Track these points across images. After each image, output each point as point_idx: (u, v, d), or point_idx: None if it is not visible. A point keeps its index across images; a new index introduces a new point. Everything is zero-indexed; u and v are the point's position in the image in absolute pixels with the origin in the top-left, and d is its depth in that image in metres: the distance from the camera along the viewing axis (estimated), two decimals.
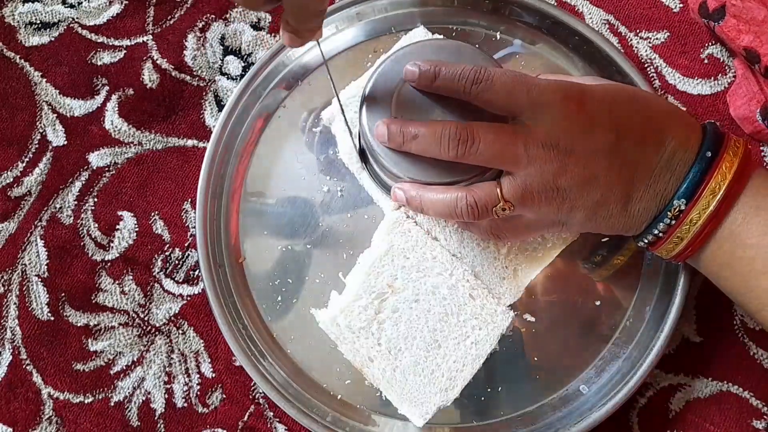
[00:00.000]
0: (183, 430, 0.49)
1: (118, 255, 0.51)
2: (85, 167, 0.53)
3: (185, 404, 0.49)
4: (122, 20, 0.55)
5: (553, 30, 0.52)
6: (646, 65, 0.53)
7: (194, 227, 0.51)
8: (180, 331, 0.50)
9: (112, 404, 0.49)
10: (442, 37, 0.51)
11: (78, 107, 0.53)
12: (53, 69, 0.54)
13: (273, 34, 0.55)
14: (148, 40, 0.55)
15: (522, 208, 0.39)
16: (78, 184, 0.52)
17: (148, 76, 0.54)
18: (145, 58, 0.54)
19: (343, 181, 0.50)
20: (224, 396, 0.49)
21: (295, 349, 0.48)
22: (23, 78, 0.54)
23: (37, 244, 0.51)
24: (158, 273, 0.51)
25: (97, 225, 0.52)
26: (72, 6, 0.55)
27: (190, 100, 0.54)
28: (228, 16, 0.55)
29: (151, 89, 0.54)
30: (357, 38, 0.53)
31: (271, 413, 0.49)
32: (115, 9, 0.55)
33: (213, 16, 0.55)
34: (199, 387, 0.49)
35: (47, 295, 0.51)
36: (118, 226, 0.52)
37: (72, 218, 0.52)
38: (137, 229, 0.52)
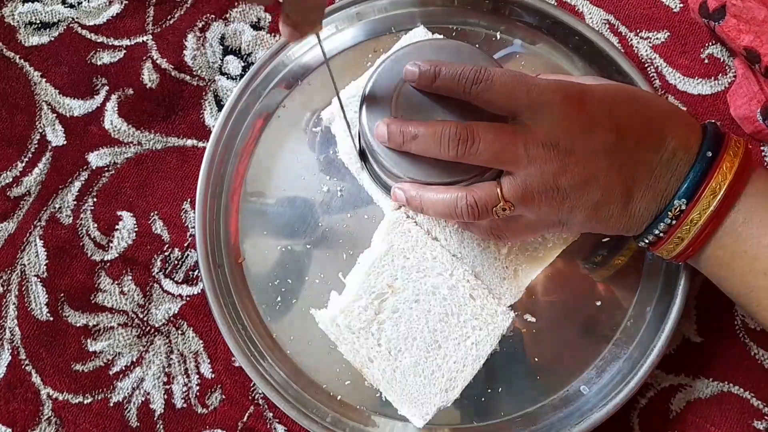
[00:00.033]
0: (182, 430, 0.48)
1: (117, 255, 0.51)
2: (85, 167, 0.52)
3: (184, 405, 0.49)
4: (122, 20, 0.55)
5: (553, 30, 0.52)
6: (646, 65, 0.53)
7: (194, 227, 0.50)
8: (179, 332, 0.50)
9: (112, 405, 0.49)
10: (442, 37, 0.51)
11: (77, 107, 0.53)
12: (53, 69, 0.54)
13: (273, 34, 0.55)
14: (147, 39, 0.55)
15: (522, 208, 0.39)
16: (77, 184, 0.52)
17: (148, 76, 0.54)
18: (144, 57, 0.54)
19: (343, 181, 0.50)
20: (224, 396, 0.49)
21: (295, 349, 0.48)
22: (23, 78, 0.54)
23: (36, 244, 0.51)
24: (157, 273, 0.51)
25: (96, 225, 0.52)
26: (72, 6, 0.55)
27: (189, 99, 0.53)
28: (228, 15, 0.55)
29: (151, 89, 0.54)
30: (357, 38, 0.53)
31: (271, 414, 0.49)
32: (115, 9, 0.55)
33: (213, 16, 0.55)
34: (198, 387, 0.49)
35: (46, 296, 0.50)
36: (117, 226, 0.52)
37: (71, 218, 0.52)
38: (136, 229, 0.51)
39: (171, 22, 0.55)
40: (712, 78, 0.52)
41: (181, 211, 0.52)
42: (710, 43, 0.53)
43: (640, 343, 0.47)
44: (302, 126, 0.52)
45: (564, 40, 0.52)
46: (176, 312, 0.50)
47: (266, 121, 0.52)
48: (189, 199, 0.52)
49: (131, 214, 0.52)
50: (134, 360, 0.50)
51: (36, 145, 0.53)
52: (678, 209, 0.38)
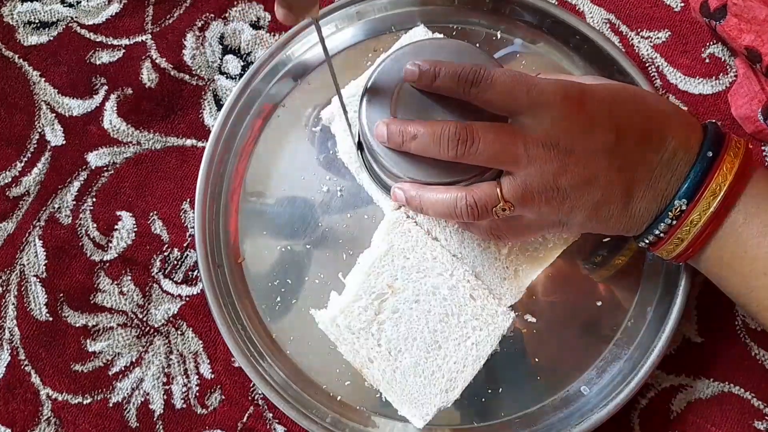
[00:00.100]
0: (182, 431, 0.48)
1: (116, 255, 0.51)
2: (84, 167, 0.52)
3: (184, 405, 0.49)
4: (121, 19, 0.55)
5: (554, 29, 0.52)
6: (647, 64, 0.53)
7: (193, 227, 0.50)
8: (179, 332, 0.50)
9: (111, 405, 0.49)
10: (442, 36, 0.50)
11: (77, 107, 0.53)
12: (52, 68, 0.54)
13: (272, 33, 0.55)
14: (147, 39, 0.54)
15: (522, 208, 0.39)
16: (76, 184, 0.52)
17: (147, 76, 0.54)
18: (144, 57, 0.54)
19: (342, 181, 0.50)
20: (223, 397, 0.49)
21: (295, 349, 0.48)
22: (22, 77, 0.54)
23: (35, 245, 0.51)
24: (157, 273, 0.51)
25: (95, 225, 0.52)
26: (71, 5, 0.55)
27: (189, 99, 0.53)
28: (227, 15, 0.55)
29: (150, 89, 0.53)
30: (357, 37, 0.53)
31: (271, 414, 0.49)
32: (114, 8, 0.55)
33: (212, 15, 0.55)
34: (198, 388, 0.49)
35: (46, 296, 0.50)
36: (116, 226, 0.51)
37: (70, 218, 0.52)
38: (136, 229, 0.51)
39: (170, 21, 0.55)
40: (713, 77, 0.52)
41: (181, 211, 0.52)
42: (711, 43, 0.53)
43: (641, 344, 0.47)
44: (302, 125, 0.51)
45: (565, 39, 0.52)
46: (176, 312, 0.50)
47: (266, 120, 0.52)
48: (188, 199, 0.52)
49: (130, 214, 0.52)
50: (134, 360, 0.49)
51: (35, 145, 0.53)
52: (678, 209, 0.38)
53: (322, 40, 0.39)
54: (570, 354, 0.47)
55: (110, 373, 0.49)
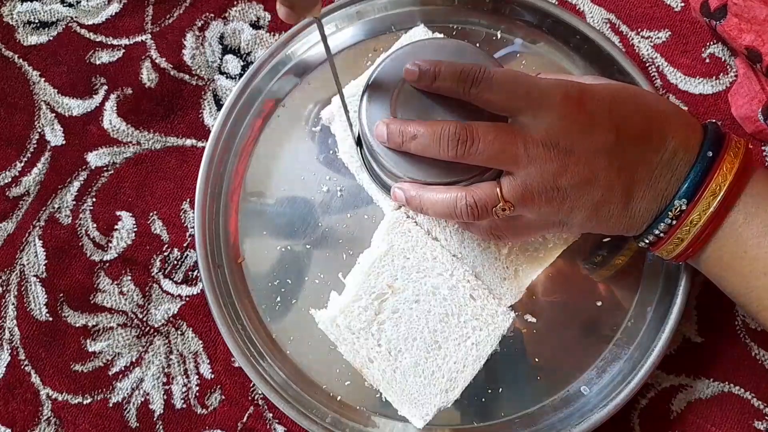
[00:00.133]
0: (182, 431, 0.48)
1: (116, 255, 0.51)
2: (84, 167, 0.52)
3: (184, 405, 0.49)
4: (121, 19, 0.55)
5: (554, 29, 0.52)
6: (647, 64, 0.53)
7: (193, 227, 0.50)
8: (179, 332, 0.50)
9: (111, 405, 0.49)
10: (442, 36, 0.50)
11: (76, 107, 0.53)
12: (52, 68, 0.54)
13: (272, 33, 0.55)
14: (146, 39, 0.54)
15: (522, 208, 0.39)
16: (76, 184, 0.52)
17: (147, 76, 0.54)
18: (143, 57, 0.54)
19: (342, 181, 0.50)
20: (223, 397, 0.49)
21: (295, 349, 0.48)
22: (21, 77, 0.54)
23: (35, 245, 0.51)
24: (157, 273, 0.51)
25: (95, 225, 0.52)
26: (71, 5, 0.55)
27: (188, 99, 0.53)
28: (227, 15, 0.55)
29: (150, 88, 0.53)
30: (357, 37, 0.53)
31: (271, 414, 0.49)
32: (114, 8, 0.55)
33: (212, 15, 0.55)
34: (198, 388, 0.49)
35: (46, 296, 0.50)
36: (116, 226, 0.51)
37: (70, 218, 0.52)
38: (136, 230, 0.51)
39: (170, 21, 0.55)
40: (714, 77, 0.52)
41: (181, 211, 0.52)
42: (711, 43, 0.53)
43: (641, 344, 0.47)
44: (302, 125, 0.51)
45: (565, 39, 0.52)
46: (176, 312, 0.50)
47: (266, 120, 0.52)
48: (188, 199, 0.52)
49: (130, 214, 0.52)
50: (134, 360, 0.49)
51: (35, 145, 0.53)
52: (678, 209, 0.38)
53: (324, 39, 0.39)
54: (570, 354, 0.47)
55: (110, 373, 0.49)
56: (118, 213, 0.52)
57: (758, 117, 0.49)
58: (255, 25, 0.55)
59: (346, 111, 0.45)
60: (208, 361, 0.49)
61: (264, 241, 0.50)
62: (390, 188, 0.44)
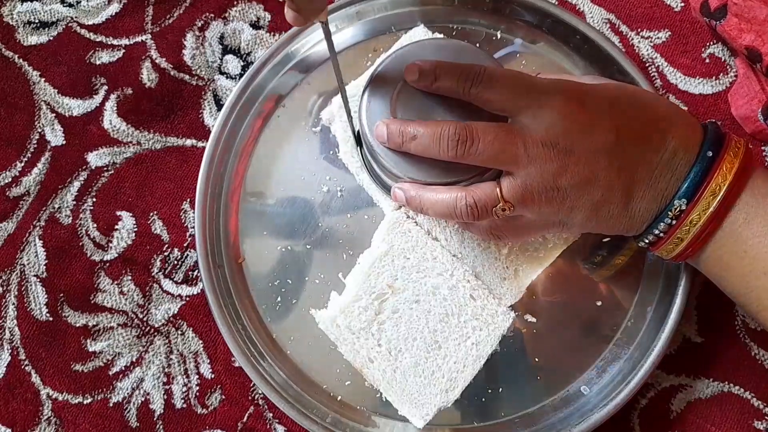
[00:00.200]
0: (182, 431, 0.48)
1: (116, 255, 0.51)
2: (84, 167, 0.52)
3: (184, 405, 0.49)
4: (121, 19, 0.55)
5: (554, 29, 0.52)
6: (647, 64, 0.53)
7: (193, 227, 0.50)
8: (179, 332, 0.50)
9: (111, 405, 0.49)
10: (442, 36, 0.51)
11: (77, 107, 0.53)
12: (52, 68, 0.54)
13: (272, 33, 0.55)
14: (146, 39, 0.54)
15: (522, 208, 0.39)
16: (77, 184, 0.52)
17: (147, 76, 0.54)
18: (143, 57, 0.54)
19: (342, 182, 0.50)
20: (223, 397, 0.49)
21: (295, 349, 0.48)
22: (22, 77, 0.54)
23: (35, 245, 0.51)
24: (157, 273, 0.51)
25: (95, 225, 0.52)
26: (71, 5, 0.55)
27: (189, 99, 0.53)
28: (227, 15, 0.55)
29: (150, 89, 0.53)
30: (357, 37, 0.53)
31: (271, 414, 0.49)
32: (114, 8, 0.55)
33: (212, 15, 0.55)
34: (198, 388, 0.49)
35: (46, 296, 0.50)
36: (116, 226, 0.51)
37: (71, 218, 0.52)
38: (136, 229, 0.51)
39: (170, 21, 0.55)
40: (713, 77, 0.52)
41: (181, 211, 0.52)
42: (711, 43, 0.53)
43: (641, 344, 0.47)
44: (302, 126, 0.51)
45: (565, 39, 0.52)
46: (176, 312, 0.50)
47: (266, 120, 0.52)
48: (188, 199, 0.52)
49: (131, 214, 0.52)
50: (134, 360, 0.50)
51: (35, 145, 0.53)
52: (678, 209, 0.38)
53: (330, 43, 0.39)
54: (570, 354, 0.47)
55: (110, 373, 0.49)
56: (118, 213, 0.52)
57: (758, 117, 0.49)
58: (255, 25, 0.55)
59: (348, 111, 0.45)
60: (209, 360, 0.49)
61: (264, 241, 0.50)
62: (390, 188, 0.44)
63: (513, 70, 0.40)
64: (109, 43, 0.54)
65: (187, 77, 0.54)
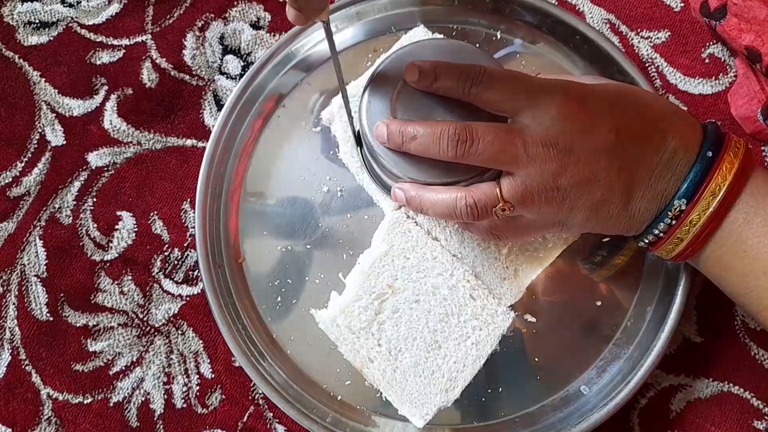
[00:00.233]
0: (182, 430, 0.48)
1: (117, 255, 0.51)
2: (84, 167, 0.52)
3: (184, 405, 0.49)
4: (121, 19, 0.55)
5: (554, 29, 0.52)
6: (647, 64, 0.53)
7: (193, 227, 0.50)
8: (179, 332, 0.50)
9: (112, 405, 0.49)
10: (442, 36, 0.51)
11: (77, 107, 0.53)
12: (52, 68, 0.54)
13: (272, 34, 0.55)
14: (147, 39, 0.54)
15: (522, 208, 0.39)
16: (77, 184, 0.52)
17: (147, 76, 0.54)
18: (144, 57, 0.54)
19: (343, 182, 0.50)
20: (224, 397, 0.49)
21: (295, 349, 0.48)
22: (22, 77, 0.54)
23: (36, 245, 0.51)
24: (157, 273, 0.51)
25: (96, 225, 0.52)
26: (71, 5, 0.55)
27: (189, 99, 0.53)
28: (227, 15, 0.55)
29: (150, 89, 0.54)
30: (357, 37, 0.53)
31: (271, 414, 0.49)
32: (114, 8, 0.55)
33: (212, 15, 0.55)
34: (198, 387, 0.49)
35: (46, 296, 0.50)
36: (117, 226, 0.52)
37: (71, 218, 0.52)
38: (136, 229, 0.51)
39: (170, 21, 0.55)
40: (713, 78, 0.52)
41: (181, 211, 0.52)
42: (711, 43, 0.53)
43: (641, 343, 0.47)
44: (302, 126, 0.51)
45: (564, 39, 0.52)
46: (176, 312, 0.50)
47: (266, 121, 0.52)
48: (189, 199, 0.52)
49: (131, 214, 0.52)
50: (134, 360, 0.50)
51: (35, 145, 0.53)
52: (678, 209, 0.38)
53: (331, 42, 0.39)
54: (570, 354, 0.48)
55: (111, 373, 0.49)
56: (118, 213, 0.52)
57: (758, 117, 0.49)
58: (255, 26, 0.55)
59: (348, 111, 0.45)
60: (209, 360, 0.49)
61: (264, 241, 0.50)
62: (390, 188, 0.44)
63: (513, 71, 0.40)
64: (110, 43, 0.54)
65: (187, 77, 0.54)
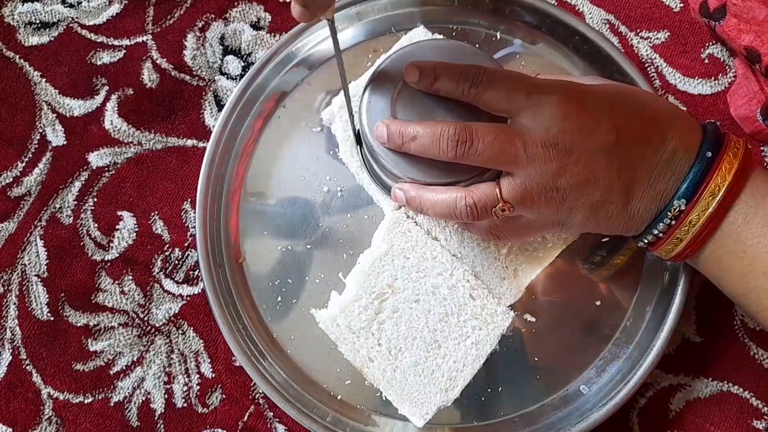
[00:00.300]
0: (183, 430, 0.49)
1: (117, 255, 0.51)
2: (85, 167, 0.53)
3: (185, 404, 0.49)
4: (122, 20, 0.55)
5: (554, 30, 0.52)
6: (646, 65, 0.53)
7: (194, 227, 0.51)
8: (180, 331, 0.50)
9: (112, 404, 0.49)
10: (442, 37, 0.51)
11: (77, 107, 0.53)
12: (53, 69, 0.54)
13: (273, 34, 0.55)
14: (147, 39, 0.55)
15: (521, 208, 0.39)
16: (77, 184, 0.52)
17: (148, 76, 0.54)
18: (144, 57, 0.54)
19: (343, 182, 0.50)
20: (224, 396, 0.49)
21: (295, 349, 0.48)
22: (23, 78, 0.54)
23: (36, 244, 0.51)
24: (158, 273, 0.51)
25: (96, 225, 0.52)
26: (71, 6, 0.55)
27: (189, 99, 0.53)
28: (228, 15, 0.55)
29: (151, 89, 0.54)
30: (357, 38, 0.53)
31: (271, 413, 0.49)
32: (115, 9, 0.55)
33: (213, 16, 0.55)
34: (198, 387, 0.49)
35: (47, 295, 0.51)
36: (117, 226, 0.52)
37: (72, 218, 0.52)
38: (137, 229, 0.52)
39: (171, 21, 0.55)
40: (713, 78, 0.52)
41: (182, 211, 0.52)
42: (710, 43, 0.53)
43: (640, 343, 0.47)
44: (302, 126, 0.52)
45: (564, 40, 0.52)
46: (177, 312, 0.50)
47: (266, 121, 0.52)
48: (189, 200, 0.52)
49: (131, 214, 0.52)
50: (135, 360, 0.50)
51: (36, 145, 0.53)
52: (677, 210, 0.38)
53: (335, 39, 0.39)
54: (569, 353, 0.48)
55: (111, 373, 0.49)
56: (119, 213, 0.52)
57: (757, 117, 0.49)
58: (255, 26, 0.55)
59: (349, 108, 0.45)
60: (209, 360, 0.50)
61: (265, 241, 0.50)
62: (390, 188, 0.44)
63: (512, 71, 0.40)
64: (110, 43, 0.55)
65: (187, 78, 0.54)
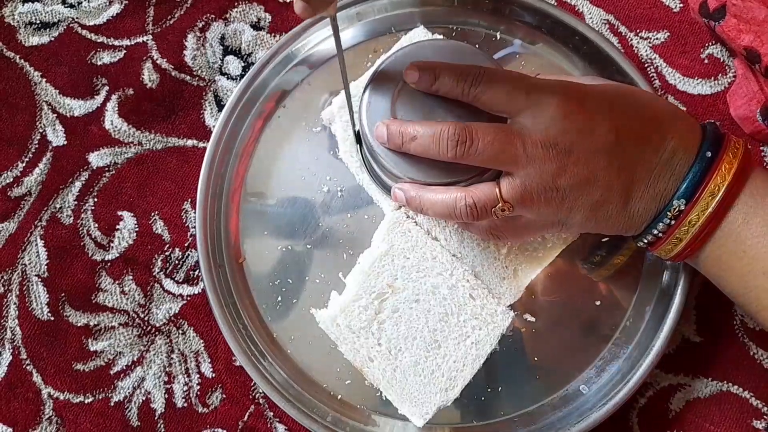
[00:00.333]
0: (183, 430, 0.49)
1: (118, 255, 0.51)
2: (85, 167, 0.53)
3: (185, 404, 0.49)
4: (122, 20, 0.55)
5: (553, 30, 0.52)
6: (646, 65, 0.53)
7: (194, 227, 0.51)
8: (180, 331, 0.50)
9: (112, 404, 0.49)
10: (442, 37, 0.51)
11: (78, 107, 0.53)
12: (53, 69, 0.54)
13: (273, 34, 0.55)
14: (147, 40, 0.55)
15: (521, 208, 0.39)
16: (78, 184, 0.52)
17: (148, 76, 0.54)
18: (145, 58, 0.54)
19: (343, 182, 0.50)
20: (224, 396, 0.49)
21: (295, 349, 0.48)
22: (23, 78, 0.54)
23: (37, 244, 0.51)
24: (158, 273, 0.51)
25: (97, 225, 0.52)
26: (72, 6, 0.55)
27: (190, 100, 0.54)
28: (228, 15, 0.55)
29: (151, 89, 0.54)
30: (357, 38, 0.53)
31: (271, 413, 0.49)
32: (115, 9, 0.55)
33: (213, 16, 0.55)
34: (199, 387, 0.49)
35: (47, 295, 0.51)
36: (118, 226, 0.52)
37: (72, 218, 0.52)
38: (137, 229, 0.52)
39: (171, 22, 0.55)
40: (712, 78, 0.52)
41: (182, 211, 0.52)
42: (710, 43, 0.53)
43: (640, 343, 0.47)
44: (302, 126, 0.52)
45: (564, 40, 0.52)
46: (177, 312, 0.50)
47: (266, 121, 0.52)
48: (189, 200, 0.52)
49: (132, 214, 0.52)
50: (135, 359, 0.50)
51: (36, 145, 0.53)
52: (677, 209, 0.38)
53: (337, 36, 0.39)
54: (569, 353, 0.48)
55: (111, 372, 0.50)
56: (119, 213, 0.52)
57: (757, 117, 0.49)
58: (256, 26, 0.55)
59: (350, 106, 0.45)
60: (209, 360, 0.50)
61: (265, 241, 0.50)
62: (390, 188, 0.44)
63: (512, 71, 0.40)
64: (110, 43, 0.55)
65: (188, 78, 0.54)
